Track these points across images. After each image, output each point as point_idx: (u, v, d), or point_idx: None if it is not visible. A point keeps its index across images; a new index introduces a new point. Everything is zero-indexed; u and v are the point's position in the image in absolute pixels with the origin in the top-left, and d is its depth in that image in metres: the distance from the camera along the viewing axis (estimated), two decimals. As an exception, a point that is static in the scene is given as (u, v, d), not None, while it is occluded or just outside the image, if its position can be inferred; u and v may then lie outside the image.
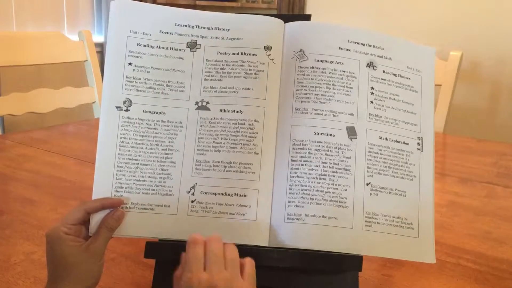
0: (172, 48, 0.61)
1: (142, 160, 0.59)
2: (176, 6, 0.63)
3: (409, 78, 0.64)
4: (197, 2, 3.05)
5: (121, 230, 0.58)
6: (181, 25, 0.62)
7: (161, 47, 0.61)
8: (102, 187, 0.58)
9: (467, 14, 2.50)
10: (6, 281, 0.66)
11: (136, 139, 0.59)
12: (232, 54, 0.62)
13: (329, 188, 0.58)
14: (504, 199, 1.04)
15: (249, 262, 0.54)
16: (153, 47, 0.61)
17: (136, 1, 0.62)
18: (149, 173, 0.59)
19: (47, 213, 0.88)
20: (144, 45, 0.61)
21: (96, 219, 0.57)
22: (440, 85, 1.66)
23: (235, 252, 0.54)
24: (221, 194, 0.59)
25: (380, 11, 2.73)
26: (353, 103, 0.61)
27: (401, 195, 0.61)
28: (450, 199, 1.02)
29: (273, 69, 0.62)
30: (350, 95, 0.61)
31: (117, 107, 0.60)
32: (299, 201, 0.58)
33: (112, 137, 0.59)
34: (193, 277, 0.50)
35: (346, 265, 0.58)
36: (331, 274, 0.59)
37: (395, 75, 0.64)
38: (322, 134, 0.60)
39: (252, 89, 0.61)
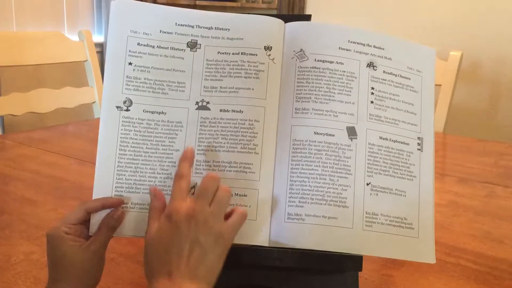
0: (172, 48, 0.61)
1: (142, 160, 0.59)
2: (176, 6, 0.63)
3: (409, 78, 0.64)
4: (197, 2, 3.05)
5: (121, 230, 0.58)
6: (181, 25, 0.62)
7: (162, 47, 0.61)
8: (103, 186, 0.58)
9: (467, 14, 2.50)
10: (6, 281, 0.66)
11: (136, 139, 0.59)
12: (233, 54, 0.62)
13: (329, 188, 0.58)
14: (504, 199, 1.04)
15: (240, 213, 0.54)
16: (153, 46, 0.61)
17: (136, 1, 0.62)
18: (149, 173, 0.59)
19: (47, 213, 0.88)
20: (144, 45, 0.61)
21: (96, 219, 0.57)
22: (440, 85, 1.67)
23: (226, 194, 0.54)
24: (221, 194, 0.59)
25: (380, 11, 2.73)
26: (353, 103, 0.61)
27: (401, 195, 0.61)
28: (450, 199, 1.02)
29: (273, 69, 0.62)
30: (350, 95, 0.61)
31: (117, 107, 0.60)
32: (299, 201, 0.58)
33: (113, 137, 0.59)
34: (174, 205, 0.52)
35: (346, 265, 0.58)
36: (331, 274, 0.59)
37: (395, 75, 0.64)
38: (322, 134, 0.60)
39: (253, 89, 0.61)
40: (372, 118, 0.61)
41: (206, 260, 0.51)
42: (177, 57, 0.61)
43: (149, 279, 0.51)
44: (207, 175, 0.55)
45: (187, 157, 0.57)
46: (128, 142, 0.59)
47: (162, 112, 0.60)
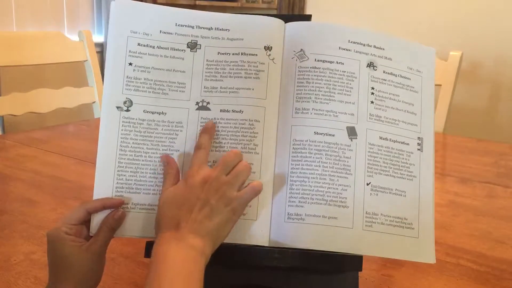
0: (172, 48, 0.61)
1: (142, 160, 0.59)
2: (176, 6, 0.63)
3: (409, 78, 0.64)
4: (197, 2, 3.05)
5: (122, 230, 0.58)
6: (181, 25, 0.62)
7: (162, 47, 0.61)
8: (103, 187, 0.58)
9: (467, 14, 2.50)
10: (6, 281, 0.66)
11: (136, 139, 0.59)
12: (233, 54, 0.62)
13: (329, 188, 0.58)
14: (504, 199, 1.04)
15: (252, 186, 0.56)
16: (153, 47, 0.61)
17: (136, 1, 0.62)
18: (150, 173, 0.59)
19: (47, 213, 0.88)
20: (144, 45, 0.61)
21: (97, 219, 0.57)
22: (440, 85, 1.67)
23: (245, 169, 0.56)
24: (222, 194, 0.59)
25: (380, 11, 2.73)
26: (353, 103, 0.61)
27: (401, 195, 0.61)
28: (450, 199, 1.02)
29: (273, 69, 0.62)
30: (350, 95, 0.61)
31: (117, 107, 0.60)
32: (299, 201, 0.58)
33: (113, 137, 0.59)
34: (191, 171, 0.55)
35: (346, 265, 0.58)
36: (331, 274, 0.59)
37: (395, 75, 0.64)
38: (322, 134, 0.60)
39: (253, 89, 0.61)
40: (372, 118, 0.61)
41: (213, 220, 0.53)
42: (177, 58, 0.61)
43: (157, 233, 0.53)
44: (230, 150, 0.57)
45: (207, 130, 0.59)
46: (129, 143, 0.59)
47: (163, 113, 0.60)
